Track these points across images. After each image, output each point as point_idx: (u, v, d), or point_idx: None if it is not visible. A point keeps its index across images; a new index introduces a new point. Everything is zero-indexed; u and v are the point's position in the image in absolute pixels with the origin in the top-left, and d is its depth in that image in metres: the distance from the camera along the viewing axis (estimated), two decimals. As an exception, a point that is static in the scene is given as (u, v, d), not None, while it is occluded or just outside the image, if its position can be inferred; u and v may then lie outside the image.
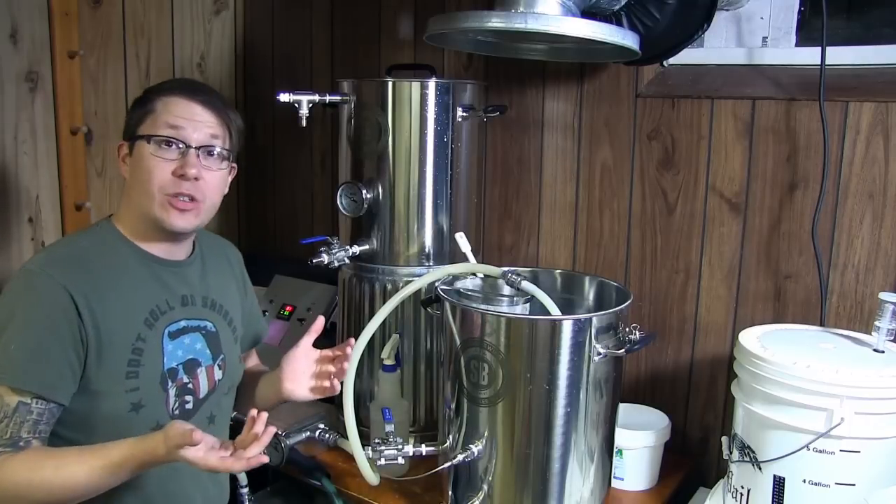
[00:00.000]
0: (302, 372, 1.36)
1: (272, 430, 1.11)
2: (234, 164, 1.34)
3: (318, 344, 1.38)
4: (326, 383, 1.34)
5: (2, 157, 1.81)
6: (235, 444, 1.11)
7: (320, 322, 1.37)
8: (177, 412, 1.27)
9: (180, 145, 1.23)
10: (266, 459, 1.11)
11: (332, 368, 1.35)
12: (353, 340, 1.34)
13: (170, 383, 1.26)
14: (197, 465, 1.07)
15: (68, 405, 1.16)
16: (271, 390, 1.39)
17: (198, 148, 1.24)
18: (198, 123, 1.25)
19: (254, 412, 1.12)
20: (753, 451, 1.22)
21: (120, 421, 1.20)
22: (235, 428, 1.35)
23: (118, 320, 1.20)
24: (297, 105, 1.51)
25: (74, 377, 1.16)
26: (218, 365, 1.35)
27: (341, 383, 1.35)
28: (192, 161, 1.23)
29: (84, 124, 1.95)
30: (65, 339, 1.15)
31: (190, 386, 1.30)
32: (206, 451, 1.07)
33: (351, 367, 1.38)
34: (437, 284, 1.43)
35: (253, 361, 1.56)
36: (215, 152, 1.27)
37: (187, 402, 1.29)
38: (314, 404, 1.69)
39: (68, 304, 1.15)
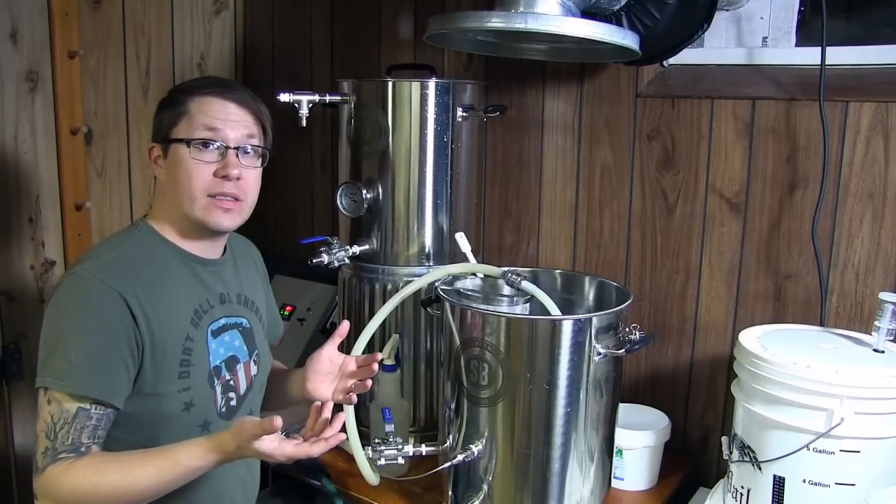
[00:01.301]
0: (325, 374, 1.36)
1: (343, 415, 1.15)
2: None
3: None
4: (348, 394, 1.33)
5: (2, 157, 1.81)
6: (303, 434, 1.14)
7: (345, 326, 1.37)
8: (223, 410, 1.29)
9: (219, 146, 1.24)
10: (344, 436, 1.14)
11: (353, 381, 1.34)
12: (379, 355, 1.33)
13: (216, 381, 1.28)
14: (272, 456, 1.09)
15: (123, 408, 1.18)
16: (296, 389, 1.40)
17: (236, 148, 1.25)
18: (234, 123, 1.25)
19: (318, 403, 1.17)
20: (753, 451, 1.22)
21: (172, 420, 1.22)
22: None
23: (169, 322, 1.21)
24: (297, 105, 1.51)
25: (129, 381, 1.17)
26: (253, 360, 1.37)
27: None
28: (233, 161, 1.24)
29: (84, 124, 1.95)
30: (121, 344, 1.16)
31: (232, 383, 1.31)
32: (279, 441, 1.09)
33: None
34: (437, 284, 1.43)
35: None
36: (252, 151, 1.28)
37: (231, 400, 1.31)
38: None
39: (123, 309, 1.16)
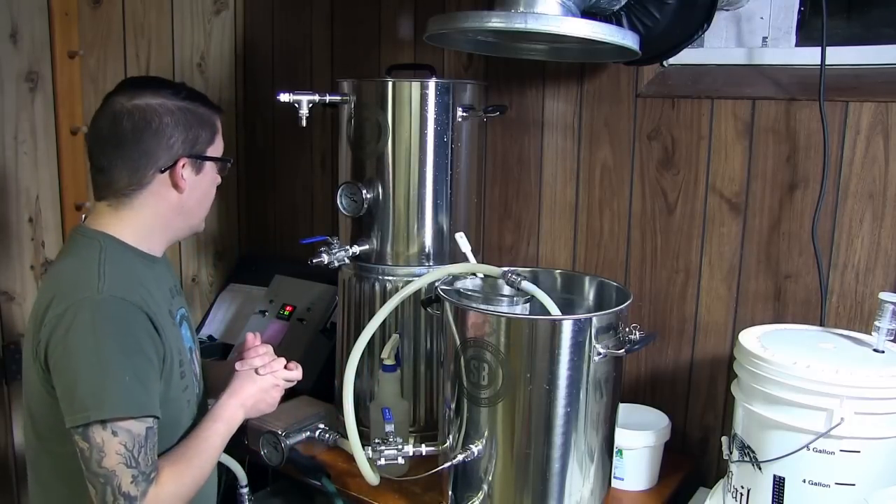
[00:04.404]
0: (251, 351, 1.41)
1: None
2: None
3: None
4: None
5: (2, 157, 1.81)
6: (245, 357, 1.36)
7: (251, 340, 1.42)
8: (201, 399, 1.35)
9: None
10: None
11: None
12: (250, 337, 1.43)
13: (195, 373, 1.34)
14: (274, 370, 1.34)
15: None
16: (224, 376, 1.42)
17: None
18: None
19: (250, 335, 1.39)
20: (753, 451, 1.22)
21: (181, 420, 1.26)
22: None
23: (167, 325, 1.23)
24: (297, 105, 1.51)
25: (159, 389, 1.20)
26: (197, 346, 1.41)
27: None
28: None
29: (84, 124, 1.95)
30: (153, 357, 1.17)
31: (196, 371, 1.36)
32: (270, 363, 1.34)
33: (350, 367, 1.39)
34: (437, 284, 1.43)
35: None
36: None
37: (198, 386, 1.36)
38: (314, 404, 1.69)
39: (146, 322, 1.17)
